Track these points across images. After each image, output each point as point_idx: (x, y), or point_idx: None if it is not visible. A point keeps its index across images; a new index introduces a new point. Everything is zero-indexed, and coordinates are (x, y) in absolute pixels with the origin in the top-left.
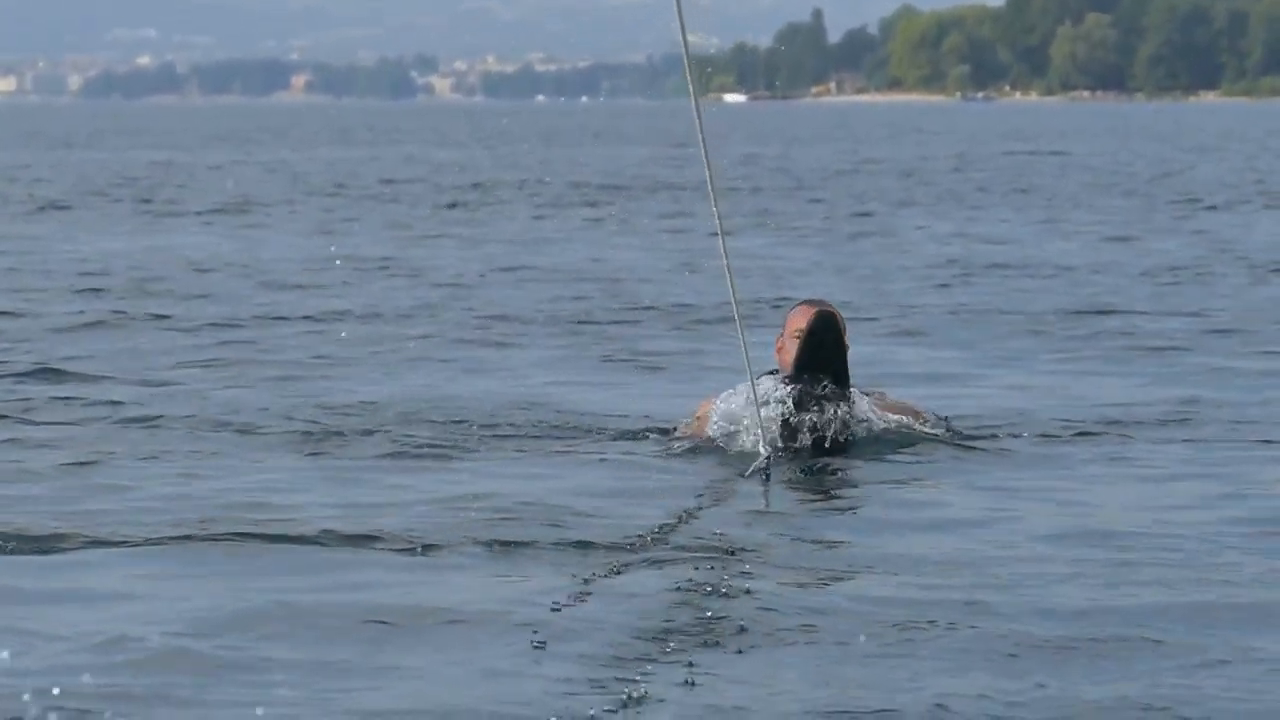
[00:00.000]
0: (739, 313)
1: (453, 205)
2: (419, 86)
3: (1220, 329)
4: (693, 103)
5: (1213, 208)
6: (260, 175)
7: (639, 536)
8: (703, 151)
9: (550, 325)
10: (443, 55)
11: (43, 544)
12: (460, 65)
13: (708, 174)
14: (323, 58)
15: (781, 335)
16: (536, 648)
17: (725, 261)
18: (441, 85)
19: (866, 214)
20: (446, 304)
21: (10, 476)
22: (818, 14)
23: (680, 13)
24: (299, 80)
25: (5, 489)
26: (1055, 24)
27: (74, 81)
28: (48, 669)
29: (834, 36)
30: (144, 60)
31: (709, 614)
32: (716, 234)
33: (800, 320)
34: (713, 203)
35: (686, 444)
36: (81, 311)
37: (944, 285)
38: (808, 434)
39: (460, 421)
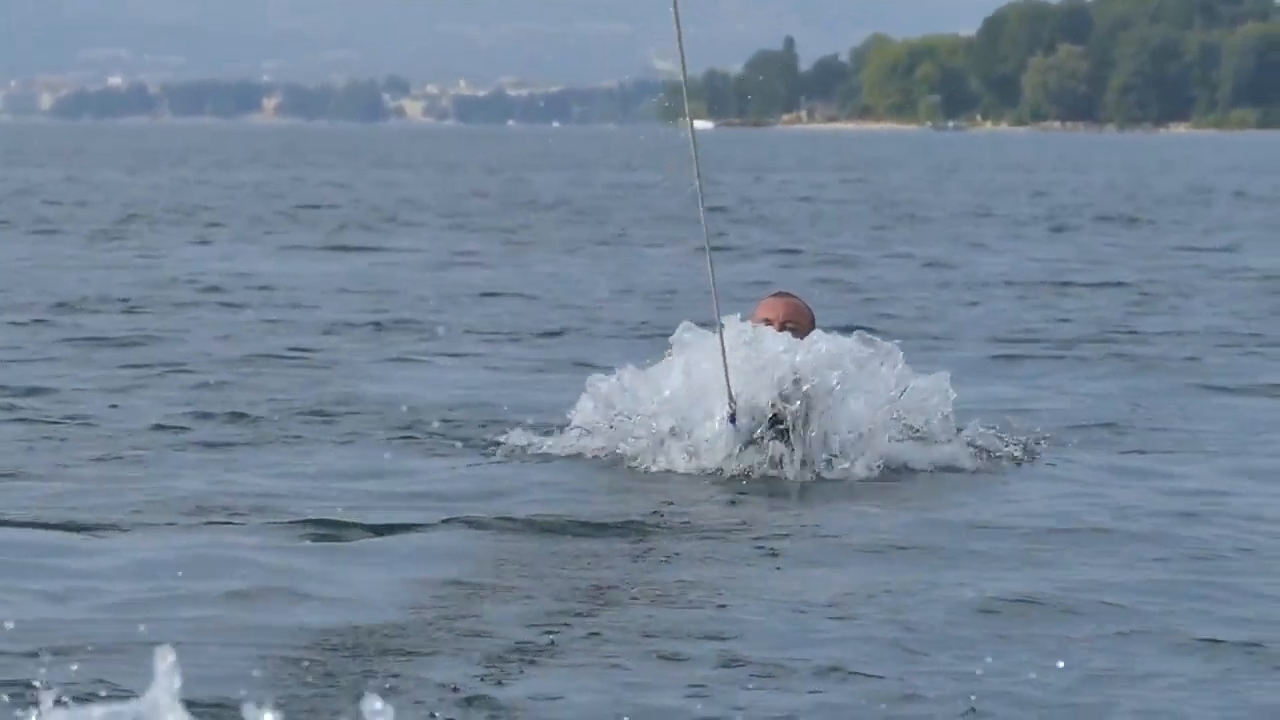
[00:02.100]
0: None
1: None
2: (390, 110)
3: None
4: (689, 126)
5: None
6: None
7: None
8: (695, 172)
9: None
10: (415, 78)
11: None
12: (432, 89)
13: (698, 184)
14: (294, 79)
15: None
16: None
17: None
18: (413, 108)
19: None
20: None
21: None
22: (789, 42)
23: (681, 45)
24: (270, 102)
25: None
26: (1027, 54)
27: (45, 101)
28: None
29: (805, 65)
30: (115, 80)
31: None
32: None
33: (768, 312)
34: (700, 206)
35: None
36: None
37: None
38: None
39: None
